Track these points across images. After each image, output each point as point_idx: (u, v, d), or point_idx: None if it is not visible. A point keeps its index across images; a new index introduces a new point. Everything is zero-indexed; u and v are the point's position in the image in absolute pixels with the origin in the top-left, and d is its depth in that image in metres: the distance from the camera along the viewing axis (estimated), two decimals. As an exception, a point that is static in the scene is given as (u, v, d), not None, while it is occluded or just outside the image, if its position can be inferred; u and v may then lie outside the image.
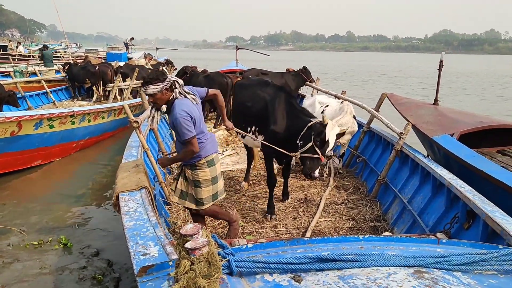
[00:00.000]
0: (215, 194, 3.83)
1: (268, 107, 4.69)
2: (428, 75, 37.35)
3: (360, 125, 7.05)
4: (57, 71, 15.35)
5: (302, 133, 4.29)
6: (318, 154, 4.14)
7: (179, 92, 3.53)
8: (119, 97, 12.00)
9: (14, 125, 6.73)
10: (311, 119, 4.35)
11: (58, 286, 3.81)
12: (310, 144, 4.18)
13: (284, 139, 4.53)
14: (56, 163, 8.17)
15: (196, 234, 1.60)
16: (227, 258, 1.70)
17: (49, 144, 7.87)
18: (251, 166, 6.17)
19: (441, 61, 6.48)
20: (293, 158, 6.83)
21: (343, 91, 8.19)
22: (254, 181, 6.15)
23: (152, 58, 16.95)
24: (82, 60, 15.89)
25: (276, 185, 5.22)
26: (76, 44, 55.62)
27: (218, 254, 1.72)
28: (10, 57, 21.20)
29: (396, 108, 6.50)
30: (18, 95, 10.89)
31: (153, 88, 3.44)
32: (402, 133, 5.11)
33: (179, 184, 3.82)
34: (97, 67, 13.03)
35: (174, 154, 3.99)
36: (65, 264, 4.23)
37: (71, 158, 8.55)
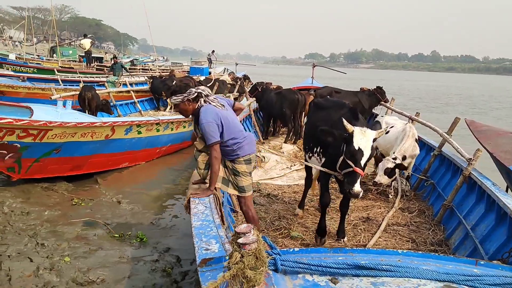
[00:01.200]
0: (249, 185, 4.11)
1: (333, 127, 4.40)
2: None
3: (431, 148, 6.99)
4: (145, 83, 16.66)
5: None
6: (351, 167, 3.80)
7: (204, 101, 3.80)
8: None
9: (108, 130, 7.53)
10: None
11: (133, 274, 4.30)
12: (341, 158, 3.95)
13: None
14: (141, 166, 8.93)
15: (248, 232, 1.89)
16: (273, 256, 1.96)
17: (136, 148, 8.67)
18: (308, 191, 5.86)
19: None
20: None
21: (417, 113, 8.13)
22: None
23: (234, 76, 17.68)
24: (168, 73, 17.05)
25: (331, 221, 5.18)
26: (163, 58, 59.36)
27: (267, 253, 2.00)
28: (105, 68, 23.25)
29: (474, 136, 6.35)
30: (110, 103, 12.07)
31: (175, 99, 3.80)
32: (471, 158, 5.04)
33: (221, 172, 4.00)
34: (174, 82, 13.90)
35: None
36: (140, 256, 4.74)
37: (153, 163, 9.31)
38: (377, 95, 10.75)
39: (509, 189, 5.78)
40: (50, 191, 6.59)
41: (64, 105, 7.24)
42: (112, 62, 16.54)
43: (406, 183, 6.72)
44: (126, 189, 7.30)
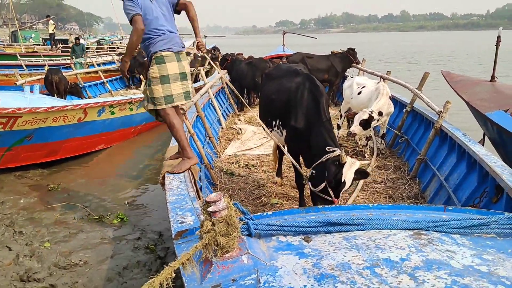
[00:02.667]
0: (169, 97, 3.69)
1: (291, 98, 4.18)
2: (486, 53, 35.41)
3: (404, 105, 7.08)
4: (113, 62, 16.24)
5: (316, 162, 3.75)
6: (331, 197, 3.63)
7: None
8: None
9: (80, 112, 7.35)
10: (329, 148, 3.69)
11: (116, 253, 4.30)
12: (323, 185, 3.67)
13: (304, 140, 4.06)
14: (117, 146, 8.81)
15: (219, 200, 1.88)
16: (245, 221, 1.98)
17: (111, 129, 8.51)
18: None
19: (498, 37, 6.36)
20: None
21: (388, 71, 8.21)
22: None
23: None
24: (137, 50, 16.61)
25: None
26: (131, 35, 57.60)
27: (240, 220, 2.01)
28: (70, 50, 22.54)
29: (451, 86, 6.43)
30: (79, 86, 11.76)
31: None
32: (441, 111, 5.12)
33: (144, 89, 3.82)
34: (145, 58, 13.58)
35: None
36: (122, 235, 4.73)
37: (129, 142, 9.19)
38: (350, 57, 10.76)
39: (485, 136, 5.94)
40: (24, 178, 6.46)
41: (31, 90, 7.00)
42: (74, 43, 15.96)
43: (381, 141, 6.82)
44: (104, 171, 7.23)
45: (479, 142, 4.74)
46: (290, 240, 1.96)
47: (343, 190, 3.66)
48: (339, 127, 7.17)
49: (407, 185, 5.24)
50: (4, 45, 28.72)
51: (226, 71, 10.95)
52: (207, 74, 13.60)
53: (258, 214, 2.22)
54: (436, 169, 5.00)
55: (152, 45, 3.61)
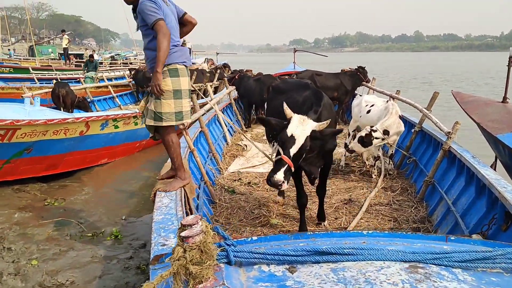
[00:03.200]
0: (179, 113, 3.50)
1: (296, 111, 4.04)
2: (499, 73, 34.99)
3: (413, 125, 6.88)
4: (123, 77, 16.32)
5: None
6: (279, 153, 3.36)
7: None
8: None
9: (82, 125, 7.26)
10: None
11: (105, 273, 4.12)
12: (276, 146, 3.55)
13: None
14: (120, 161, 8.68)
15: (195, 224, 1.71)
16: (223, 247, 1.79)
17: (114, 143, 8.40)
18: None
19: (510, 57, 6.22)
20: (342, 159, 6.86)
21: (397, 90, 8.04)
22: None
23: (213, 62, 17.43)
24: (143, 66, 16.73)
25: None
26: (146, 51, 58.53)
27: (218, 245, 1.82)
28: (82, 64, 22.80)
29: (461, 106, 6.23)
30: (87, 100, 11.77)
31: None
32: (450, 132, 4.92)
33: (145, 102, 3.58)
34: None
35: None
36: (114, 254, 4.55)
37: (133, 157, 9.07)
38: (360, 75, 10.64)
39: (497, 159, 5.70)
40: (21, 192, 6.35)
41: (32, 103, 6.94)
42: (88, 59, 16.08)
43: (389, 161, 6.61)
44: (103, 186, 7.10)
45: (491, 165, 4.52)
46: (273, 270, 1.77)
47: (293, 148, 3.30)
48: (346, 146, 6.94)
49: (413, 208, 5.00)
50: (21, 59, 29.24)
51: (234, 87, 10.88)
52: (216, 90, 13.55)
53: (242, 239, 2.04)
54: (444, 192, 4.77)
55: (167, 56, 3.35)
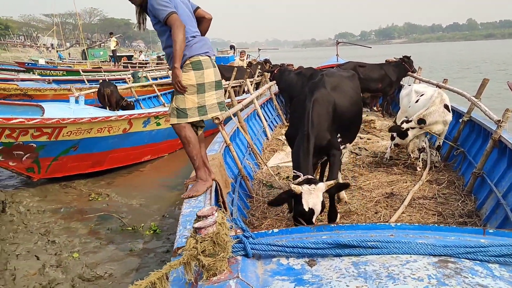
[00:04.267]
0: (202, 108, 3.32)
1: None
2: None
3: (461, 115, 6.52)
4: (167, 76, 16.66)
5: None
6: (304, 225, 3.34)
7: None
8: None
9: (125, 123, 7.46)
10: (294, 172, 3.65)
11: (142, 266, 4.18)
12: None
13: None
14: (163, 158, 8.81)
15: (210, 215, 1.65)
16: (240, 239, 1.72)
17: (157, 140, 8.55)
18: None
19: None
20: (388, 151, 6.57)
21: (444, 79, 7.65)
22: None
23: (245, 54, 17.36)
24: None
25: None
26: (192, 50, 59.81)
27: (235, 237, 1.76)
28: (129, 65, 23.54)
29: None
30: (132, 98, 12.09)
31: None
32: (500, 120, 4.58)
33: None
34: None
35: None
36: (152, 247, 4.62)
37: (176, 154, 9.18)
38: (405, 65, 10.24)
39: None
40: (68, 188, 6.60)
41: (76, 102, 7.19)
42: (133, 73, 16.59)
43: (436, 153, 6.30)
44: (147, 182, 7.23)
45: None
46: (292, 264, 1.68)
47: (315, 216, 3.44)
48: (393, 138, 6.59)
49: (460, 201, 4.72)
50: (74, 62, 30.64)
51: (274, 81, 10.78)
52: (258, 86, 13.51)
53: (263, 231, 1.97)
54: (493, 185, 4.45)
55: (187, 48, 3.18)
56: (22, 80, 15.41)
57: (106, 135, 7.19)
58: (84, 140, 6.85)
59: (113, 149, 7.55)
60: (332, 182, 3.51)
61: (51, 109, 6.41)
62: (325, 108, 3.90)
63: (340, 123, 4.07)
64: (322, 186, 3.40)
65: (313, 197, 3.37)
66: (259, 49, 24.77)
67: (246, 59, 17.67)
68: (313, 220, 3.41)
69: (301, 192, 3.36)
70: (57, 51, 36.73)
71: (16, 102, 7.26)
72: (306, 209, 3.35)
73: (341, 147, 4.25)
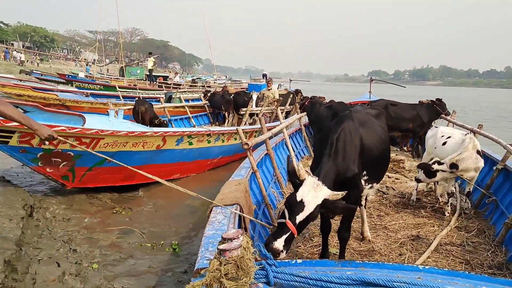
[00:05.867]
0: None
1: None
2: None
3: (495, 162, 6.36)
4: (199, 99, 16.99)
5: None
6: (284, 217, 3.03)
7: None
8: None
9: (159, 140, 7.60)
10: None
11: (158, 284, 4.17)
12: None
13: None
14: (191, 178, 8.89)
15: (236, 238, 1.65)
16: (263, 266, 1.70)
17: (188, 159, 8.67)
18: None
19: None
20: (414, 193, 6.44)
21: (479, 125, 7.49)
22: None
23: (272, 83, 17.63)
24: (221, 90, 17.34)
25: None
26: (226, 76, 61.20)
27: (260, 264, 1.74)
28: (163, 85, 24.14)
29: None
30: (165, 118, 12.34)
31: None
32: (536, 171, 4.44)
33: None
34: (232, 96, 14.07)
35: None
36: (170, 266, 4.61)
37: (203, 175, 9.24)
38: (437, 108, 10.13)
39: None
40: (94, 199, 6.69)
41: (116, 115, 7.37)
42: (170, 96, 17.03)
43: (466, 199, 6.11)
44: (170, 200, 7.27)
45: None
46: (314, 296, 1.65)
47: (300, 216, 3.00)
48: (418, 181, 6.41)
49: (490, 252, 4.54)
50: (111, 78, 31.65)
51: (305, 113, 10.83)
52: (287, 115, 13.59)
53: (286, 261, 1.94)
54: None
55: None
56: (61, 91, 16.02)
57: (140, 150, 7.32)
58: (119, 153, 6.96)
59: (146, 164, 7.65)
60: (338, 193, 3.15)
61: (92, 120, 6.59)
62: (352, 139, 3.73)
63: (367, 160, 3.91)
64: (327, 191, 3.12)
65: (311, 192, 3.08)
66: (291, 80, 25.01)
67: (277, 88, 17.79)
68: (297, 220, 2.98)
69: (304, 180, 3.15)
70: (96, 66, 38.05)
71: (60, 110, 7.48)
72: (298, 199, 3.03)
73: (368, 187, 4.13)
